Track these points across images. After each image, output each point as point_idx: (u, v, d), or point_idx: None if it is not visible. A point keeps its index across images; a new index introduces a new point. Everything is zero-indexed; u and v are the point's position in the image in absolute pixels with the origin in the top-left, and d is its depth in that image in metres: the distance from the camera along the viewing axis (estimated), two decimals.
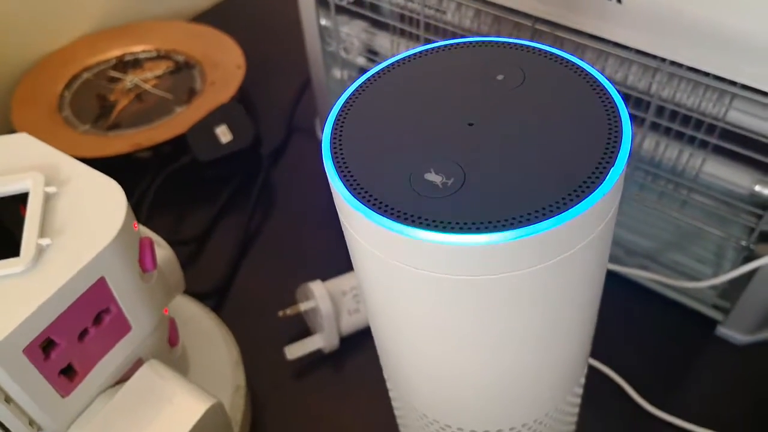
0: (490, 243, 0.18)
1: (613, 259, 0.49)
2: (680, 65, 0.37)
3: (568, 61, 0.23)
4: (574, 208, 0.18)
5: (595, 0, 0.37)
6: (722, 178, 0.41)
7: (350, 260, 0.24)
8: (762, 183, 0.39)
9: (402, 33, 0.49)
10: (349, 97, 0.23)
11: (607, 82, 0.21)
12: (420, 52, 0.24)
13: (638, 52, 0.38)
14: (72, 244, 0.28)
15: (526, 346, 0.23)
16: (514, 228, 0.18)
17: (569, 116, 0.21)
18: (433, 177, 0.20)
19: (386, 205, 0.19)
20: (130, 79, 0.63)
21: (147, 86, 0.63)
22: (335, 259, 0.51)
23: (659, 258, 0.48)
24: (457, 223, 0.18)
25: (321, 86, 0.57)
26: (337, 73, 0.56)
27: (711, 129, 0.39)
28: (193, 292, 0.47)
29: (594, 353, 0.44)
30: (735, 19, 0.33)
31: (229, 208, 0.56)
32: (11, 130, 0.58)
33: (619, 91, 0.21)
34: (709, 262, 0.46)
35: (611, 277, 0.47)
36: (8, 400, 0.27)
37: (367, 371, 0.45)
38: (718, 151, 0.40)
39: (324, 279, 0.46)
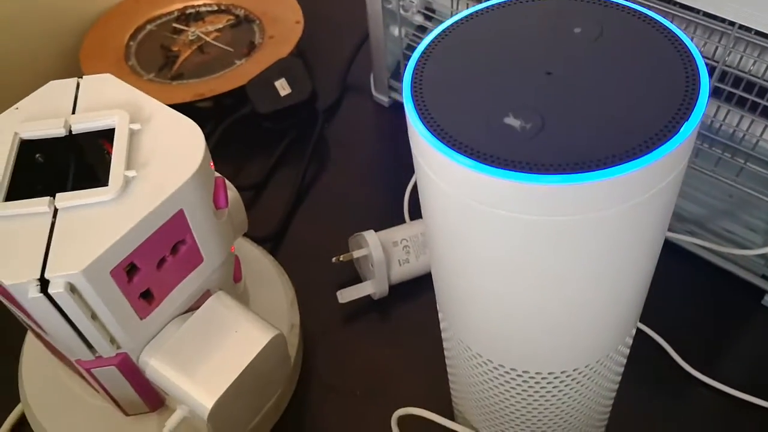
0: (567, 183, 0.19)
1: None
2: (749, 29, 0.37)
3: (646, 16, 0.23)
4: (650, 153, 0.19)
5: None
6: None
7: (400, 215, 0.25)
8: None
9: None
10: (429, 44, 0.24)
11: (685, 36, 0.22)
12: (497, 4, 0.25)
13: (705, 14, 0.38)
14: (155, 177, 0.30)
15: (593, 285, 0.24)
16: (591, 170, 0.19)
17: (647, 68, 0.21)
18: (512, 121, 0.21)
19: (465, 145, 0.20)
20: (192, 31, 0.65)
21: (208, 38, 0.64)
22: (387, 210, 0.53)
23: (709, 225, 0.48)
24: (536, 164, 0.19)
25: (378, 43, 0.57)
26: (395, 30, 0.56)
27: None
28: (251, 236, 0.49)
29: (640, 316, 0.45)
30: None
31: (286, 160, 0.58)
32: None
33: (698, 48, 0.22)
34: (761, 231, 0.46)
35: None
36: (94, 317, 0.29)
37: (413, 319, 0.47)
38: None
39: (376, 227, 0.47)
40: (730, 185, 0.44)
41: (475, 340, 0.29)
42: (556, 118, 0.21)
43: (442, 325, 0.33)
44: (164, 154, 0.31)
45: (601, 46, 0.23)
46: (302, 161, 0.56)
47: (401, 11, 0.55)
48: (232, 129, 0.57)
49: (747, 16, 0.36)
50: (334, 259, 0.47)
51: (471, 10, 0.25)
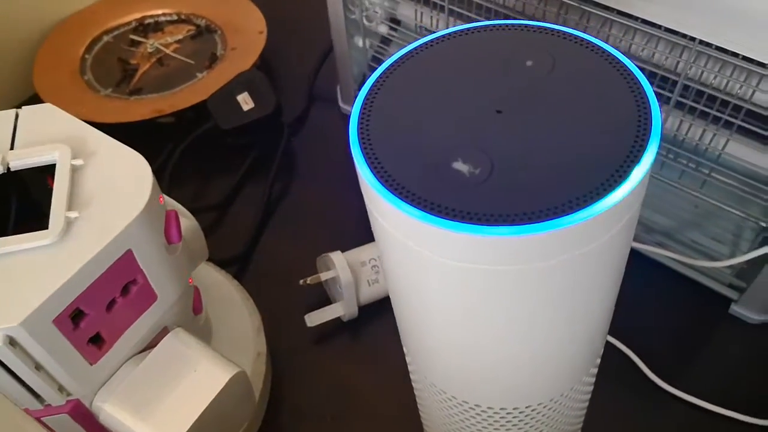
0: (514, 235, 0.18)
1: None
2: (709, 44, 0.36)
3: (599, 48, 0.22)
4: (600, 201, 0.18)
5: None
6: (745, 158, 0.41)
7: (370, 230, 0.24)
8: None
9: (426, 2, 0.48)
10: (376, 81, 0.23)
11: (638, 71, 0.21)
12: (447, 35, 0.24)
13: (666, 29, 0.37)
14: (100, 217, 0.29)
15: (548, 329, 0.23)
16: (540, 221, 0.18)
17: (599, 106, 0.21)
18: (460, 166, 0.20)
19: (413, 194, 0.19)
20: (151, 43, 0.63)
21: (168, 51, 0.63)
22: (355, 227, 0.52)
23: (677, 236, 0.48)
24: (484, 215, 0.19)
25: (343, 54, 0.56)
26: (359, 41, 0.55)
27: (736, 109, 0.39)
28: (214, 259, 0.48)
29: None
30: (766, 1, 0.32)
31: (251, 176, 0.56)
32: (34, 94, 0.59)
33: (649, 79, 0.21)
34: (727, 242, 0.46)
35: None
36: (38, 368, 0.28)
37: (385, 339, 0.46)
38: (742, 131, 0.40)
39: (344, 247, 0.46)
40: (695, 197, 0.44)
41: (439, 377, 0.28)
42: (506, 162, 0.20)
43: (407, 359, 0.32)
44: (109, 191, 0.30)
45: (553, 81, 0.22)
46: (268, 177, 0.55)
47: (365, 21, 0.54)
48: (194, 146, 0.56)
49: (707, 32, 0.35)
50: (301, 282, 0.46)
51: (422, 41, 0.24)
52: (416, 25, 0.52)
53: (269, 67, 0.65)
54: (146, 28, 0.65)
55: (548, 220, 0.18)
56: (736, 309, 0.46)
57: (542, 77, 0.22)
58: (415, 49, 0.23)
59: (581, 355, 0.26)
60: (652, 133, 0.20)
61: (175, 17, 0.66)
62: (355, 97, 0.22)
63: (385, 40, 0.56)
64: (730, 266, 0.45)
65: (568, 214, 0.18)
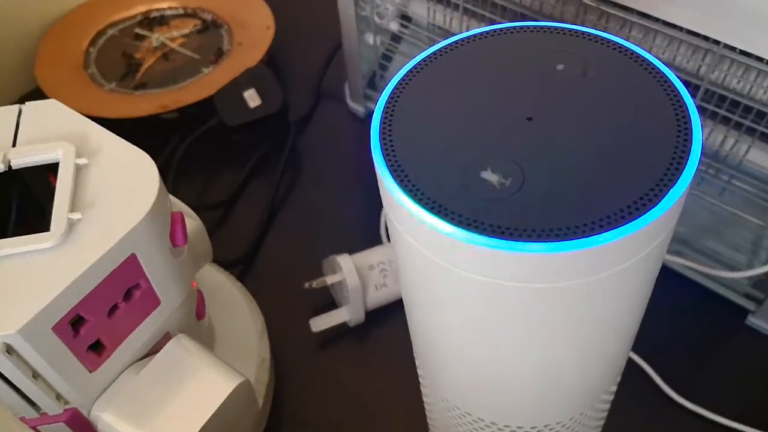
0: (546, 252, 0.17)
1: None
2: (733, 48, 0.35)
3: (633, 52, 0.21)
4: (636, 220, 0.17)
5: None
6: (765, 164, 0.40)
7: (378, 231, 0.23)
8: None
9: (439, 0, 0.47)
10: (399, 84, 0.21)
11: (676, 78, 0.20)
12: (473, 36, 0.23)
13: (689, 32, 0.36)
14: (103, 219, 0.28)
15: (572, 349, 0.22)
16: (573, 239, 0.17)
17: (635, 114, 0.20)
18: (489, 176, 0.19)
19: (439, 205, 0.18)
20: (156, 37, 0.62)
21: (174, 45, 0.61)
22: (363, 228, 0.51)
23: (694, 243, 0.46)
24: (516, 229, 0.17)
25: (352, 51, 0.55)
26: (370, 38, 0.54)
27: (760, 116, 0.37)
28: (218, 260, 0.46)
29: None
30: None
31: (257, 174, 0.55)
32: (36, 88, 0.58)
33: (688, 89, 0.20)
34: (745, 251, 0.45)
35: None
36: (36, 376, 0.27)
37: (392, 345, 0.45)
38: (765, 138, 0.39)
39: (351, 248, 0.45)
40: (714, 204, 0.43)
41: (452, 393, 0.27)
42: (537, 172, 0.19)
43: (419, 371, 0.31)
44: (114, 192, 0.29)
45: (585, 86, 0.21)
46: (274, 176, 0.54)
47: (376, 18, 0.52)
48: (199, 142, 0.55)
49: (731, 35, 0.34)
50: (306, 285, 0.45)
51: (446, 42, 0.23)
52: (428, 23, 0.50)
53: (276, 63, 0.63)
54: (152, 21, 0.64)
55: (582, 237, 0.17)
56: (753, 320, 0.45)
57: (574, 82, 0.21)
58: (439, 50, 0.22)
59: (604, 374, 0.25)
60: (692, 148, 0.18)
61: (181, 11, 0.65)
62: (377, 100, 0.21)
63: (396, 38, 0.54)
64: (749, 277, 0.44)
65: (602, 233, 0.17)
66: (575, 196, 0.18)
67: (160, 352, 0.32)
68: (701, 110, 0.39)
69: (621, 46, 0.21)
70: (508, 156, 0.19)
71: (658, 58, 0.21)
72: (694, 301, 0.46)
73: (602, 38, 0.22)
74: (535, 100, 0.20)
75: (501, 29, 0.23)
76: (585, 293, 0.19)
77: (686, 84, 0.38)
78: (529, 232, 0.17)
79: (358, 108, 0.59)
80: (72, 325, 0.27)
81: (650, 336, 0.44)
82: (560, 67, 0.21)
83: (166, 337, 0.33)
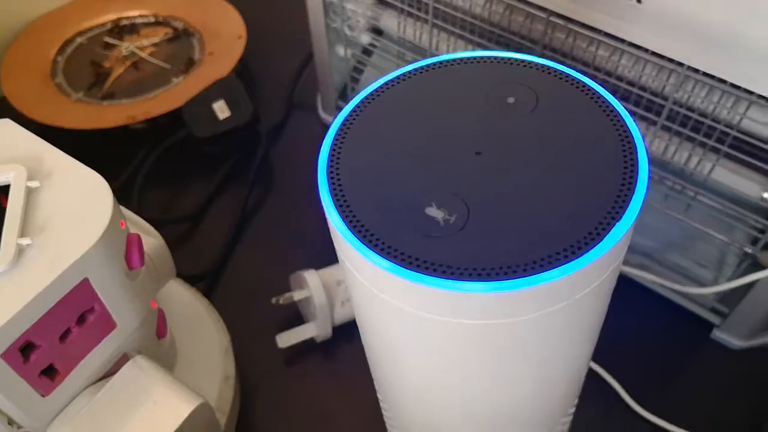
0: (488, 291, 0.17)
1: None
2: (697, 70, 0.35)
3: (584, 85, 0.21)
4: (579, 258, 0.17)
5: None
6: (730, 185, 0.40)
7: None
8: None
9: (409, 14, 0.47)
10: (347, 118, 0.21)
11: (626, 112, 0.20)
12: (426, 66, 0.22)
13: (654, 53, 0.36)
14: (54, 244, 0.27)
15: (524, 382, 0.22)
16: (515, 278, 0.17)
17: (583, 150, 0.19)
18: (434, 212, 0.18)
19: (383, 242, 0.18)
20: (126, 46, 0.61)
21: (143, 54, 0.61)
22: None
23: (660, 258, 0.47)
24: (458, 268, 0.17)
25: (323, 63, 0.55)
26: (341, 50, 0.54)
27: (723, 135, 0.38)
28: (183, 274, 0.46)
29: None
30: (755, 29, 0.31)
31: (226, 186, 0.55)
32: (2, 97, 0.57)
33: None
34: (711, 266, 0.45)
35: None
36: None
37: (359, 361, 0.44)
38: (729, 156, 0.39)
39: (320, 263, 0.45)
40: (679, 220, 0.43)
41: (410, 423, 0.27)
42: (482, 209, 0.18)
43: (379, 396, 0.31)
44: (66, 216, 0.28)
45: (535, 120, 0.20)
46: (244, 188, 0.53)
47: (347, 30, 0.52)
48: (168, 154, 0.54)
49: (694, 58, 0.34)
50: (273, 301, 0.44)
51: (399, 72, 0.22)
52: (399, 37, 0.50)
53: (248, 72, 0.63)
54: (122, 30, 0.63)
55: (522, 277, 0.17)
56: (718, 334, 0.45)
57: (525, 116, 0.21)
58: (392, 80, 0.22)
59: (556, 402, 0.25)
60: (637, 185, 0.18)
61: (152, 19, 0.64)
62: (323, 137, 0.21)
63: (367, 51, 0.54)
64: (715, 292, 0.44)
65: (543, 272, 0.17)
66: (518, 234, 0.18)
67: (116, 375, 0.31)
68: (666, 127, 0.39)
69: (572, 78, 0.21)
70: (454, 192, 0.19)
71: (610, 90, 0.21)
72: (660, 315, 0.46)
73: (553, 69, 0.22)
74: (485, 134, 0.20)
75: (455, 59, 0.22)
76: (531, 328, 0.19)
77: (651, 102, 0.38)
78: (470, 272, 0.17)
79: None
80: (22, 351, 0.27)
81: (616, 350, 0.44)
82: (511, 100, 0.21)
83: (123, 358, 0.33)
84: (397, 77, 0.22)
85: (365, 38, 0.52)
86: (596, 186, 0.18)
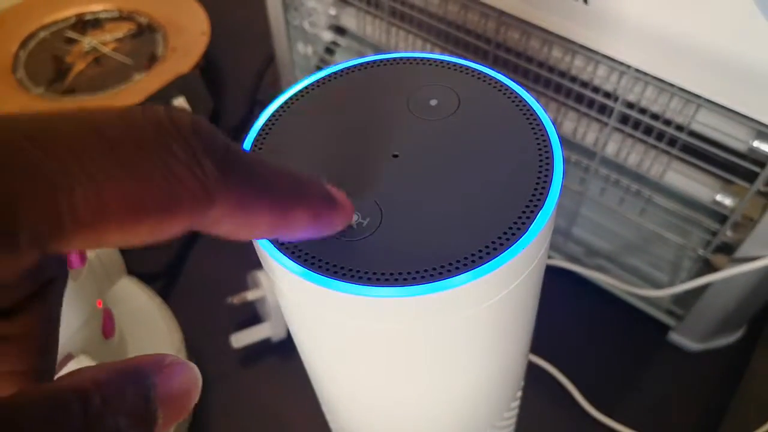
0: (394, 296, 0.17)
1: (572, 258, 0.48)
2: (645, 72, 0.35)
3: (507, 87, 0.21)
4: (490, 262, 0.17)
5: None
6: (684, 186, 0.40)
7: None
8: (723, 192, 0.39)
9: (367, 12, 0.47)
10: (269, 118, 0.21)
11: (546, 117, 0.20)
12: (350, 68, 0.22)
13: (604, 54, 0.36)
14: None
15: (448, 382, 0.22)
16: (426, 282, 0.17)
17: (501, 153, 0.19)
18: None
19: (295, 246, 0.18)
20: (89, 41, 0.61)
21: (106, 50, 0.60)
22: None
23: (617, 260, 0.47)
24: (366, 273, 0.17)
25: (284, 60, 0.54)
26: (302, 48, 0.53)
27: (674, 138, 0.38)
28: (139, 273, 0.46)
29: (540, 351, 0.43)
30: (701, 32, 0.31)
31: None
32: None
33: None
34: (666, 269, 0.45)
35: (567, 275, 0.47)
36: None
37: None
38: (682, 160, 0.39)
39: None
40: (634, 223, 0.43)
41: (346, 421, 0.27)
42: (395, 212, 0.18)
43: (318, 397, 0.30)
44: None
45: (455, 122, 0.20)
46: None
47: (308, 26, 0.52)
48: None
49: (643, 60, 0.35)
50: (228, 300, 0.44)
51: (323, 73, 0.22)
52: (360, 35, 0.50)
53: (211, 69, 0.62)
54: (85, 24, 0.63)
55: (433, 281, 0.17)
56: (673, 337, 0.46)
57: (445, 119, 0.20)
58: (315, 82, 0.22)
59: (491, 400, 0.25)
60: (552, 185, 0.18)
61: (116, 14, 0.64)
62: (244, 137, 0.21)
63: (330, 49, 0.54)
64: (671, 294, 0.45)
65: (451, 276, 0.17)
66: (431, 238, 0.18)
67: (56, 377, 0.31)
68: (619, 131, 0.40)
69: (494, 80, 0.21)
70: (368, 195, 0.19)
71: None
72: (617, 317, 0.47)
73: (476, 71, 0.22)
74: (404, 137, 0.20)
75: (380, 60, 0.22)
76: (448, 332, 0.19)
77: (603, 106, 0.38)
78: (378, 276, 0.17)
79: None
80: None
81: (571, 351, 0.45)
82: (433, 102, 0.21)
83: (67, 358, 0.32)
84: (321, 79, 0.22)
85: (327, 36, 0.52)
86: (510, 190, 0.18)
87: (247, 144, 0.20)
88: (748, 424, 0.39)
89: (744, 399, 0.41)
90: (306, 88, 0.22)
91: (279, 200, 0.13)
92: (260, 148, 0.20)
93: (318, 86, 0.22)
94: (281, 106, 0.21)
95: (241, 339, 0.43)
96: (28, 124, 0.10)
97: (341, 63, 0.23)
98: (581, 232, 0.47)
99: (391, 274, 0.17)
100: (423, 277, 0.17)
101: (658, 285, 0.45)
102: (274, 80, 0.59)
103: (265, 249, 0.18)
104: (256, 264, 0.45)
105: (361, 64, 0.22)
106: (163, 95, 0.53)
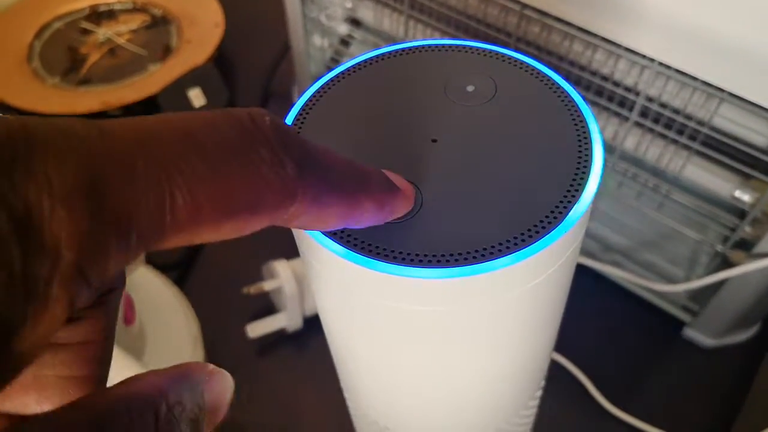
0: (437, 278, 0.17)
1: (588, 253, 0.48)
2: (668, 66, 0.35)
3: (543, 74, 0.21)
4: (530, 247, 0.17)
5: None
6: (703, 180, 0.40)
7: None
8: (742, 188, 0.39)
9: (385, 4, 0.47)
10: (307, 102, 0.21)
11: (584, 104, 0.20)
12: (386, 54, 0.22)
13: (627, 48, 0.36)
14: None
15: (478, 369, 0.22)
16: (464, 265, 0.17)
17: (539, 139, 0.19)
18: None
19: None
20: (103, 32, 0.61)
21: (120, 41, 0.60)
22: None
23: (633, 256, 0.47)
24: (408, 254, 0.17)
25: (300, 53, 0.54)
26: (318, 40, 0.53)
27: (695, 133, 0.38)
28: (155, 262, 0.46)
29: (556, 346, 0.43)
30: (727, 26, 0.31)
31: None
32: None
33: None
34: (683, 264, 0.45)
35: (583, 271, 0.47)
36: None
37: (329, 352, 0.44)
38: (702, 154, 0.39)
39: (293, 252, 0.44)
40: (651, 218, 0.43)
41: (371, 409, 0.27)
42: (436, 196, 0.18)
43: (340, 381, 0.30)
44: None
45: (493, 108, 0.20)
46: None
47: (324, 19, 0.52)
48: None
49: (664, 52, 0.35)
50: (244, 290, 0.44)
51: (359, 58, 0.22)
52: (375, 28, 0.50)
53: (225, 60, 0.62)
54: (100, 15, 0.63)
55: (477, 263, 0.17)
56: (688, 332, 0.46)
57: (483, 104, 0.20)
58: (352, 67, 0.22)
59: (516, 391, 0.25)
60: (590, 172, 0.18)
61: (130, 5, 0.64)
62: (284, 117, 0.21)
63: (345, 41, 0.54)
64: (686, 290, 0.45)
65: (493, 259, 0.17)
66: (471, 220, 0.18)
67: None
68: (639, 123, 0.40)
69: (531, 67, 0.21)
70: (408, 178, 0.19)
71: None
72: (633, 313, 0.47)
73: (513, 58, 0.22)
74: (442, 122, 0.20)
75: (416, 47, 0.22)
76: (486, 315, 0.19)
77: (624, 98, 0.38)
78: (420, 257, 0.17)
79: None
80: None
81: (586, 345, 0.45)
82: (470, 88, 0.21)
83: None
84: (356, 65, 0.22)
85: (343, 29, 0.52)
86: (550, 175, 0.18)
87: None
88: (764, 419, 0.39)
89: (759, 394, 0.41)
90: (341, 74, 0.22)
91: (348, 192, 0.14)
92: (300, 131, 0.20)
93: (353, 72, 0.22)
94: (317, 91, 0.21)
95: (257, 329, 0.44)
96: (136, 133, 0.11)
97: (375, 50, 0.23)
98: (597, 227, 0.47)
99: (434, 255, 0.17)
100: (466, 258, 0.17)
101: (673, 280, 0.45)
102: (288, 72, 0.59)
103: (306, 231, 0.18)
104: (271, 254, 0.45)
105: (395, 51, 0.22)
106: (178, 86, 0.53)
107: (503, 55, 0.22)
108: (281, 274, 0.43)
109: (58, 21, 0.62)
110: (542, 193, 0.18)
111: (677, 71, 0.35)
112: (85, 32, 0.61)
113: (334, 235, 0.18)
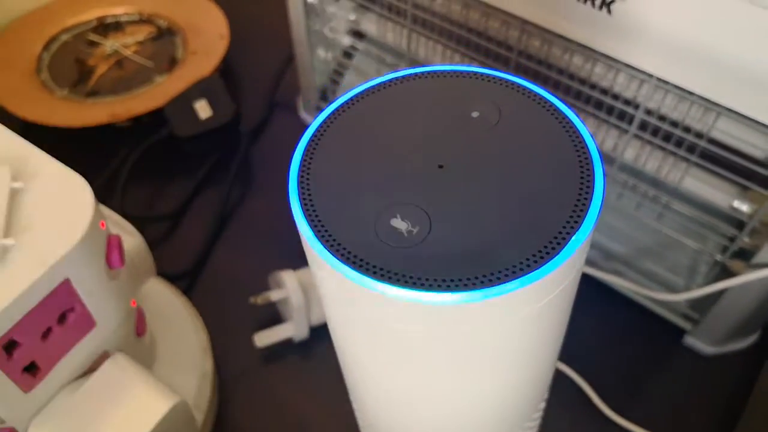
0: (446, 303, 0.18)
1: (589, 262, 0.49)
2: (667, 81, 0.36)
3: (546, 101, 0.22)
4: (541, 268, 0.18)
5: (584, 9, 0.36)
6: (701, 192, 0.41)
7: None
8: (740, 198, 0.39)
9: (389, 18, 0.48)
10: (317, 131, 0.22)
11: (585, 130, 0.21)
12: (393, 80, 0.23)
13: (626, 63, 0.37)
14: (37, 244, 0.28)
15: (483, 386, 0.23)
16: (474, 289, 0.18)
17: (542, 164, 0.20)
18: (398, 223, 0.19)
19: (349, 252, 0.19)
20: (110, 44, 0.62)
21: (128, 52, 0.61)
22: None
23: (634, 264, 0.48)
24: (419, 278, 0.18)
25: (304, 64, 0.55)
26: (322, 52, 0.54)
27: (693, 145, 0.39)
28: (163, 273, 0.47)
29: (558, 355, 0.44)
30: (724, 43, 0.32)
31: (207, 185, 0.55)
32: None
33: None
34: (683, 273, 0.46)
35: (585, 279, 0.48)
36: None
37: (335, 362, 0.45)
38: (700, 166, 0.40)
39: (298, 263, 0.45)
40: (651, 228, 0.44)
41: (379, 423, 0.28)
42: (444, 221, 0.19)
43: (350, 395, 0.31)
44: (48, 217, 0.29)
45: (497, 134, 0.21)
46: (224, 188, 0.54)
47: (328, 32, 0.53)
48: (150, 152, 0.55)
49: (665, 69, 0.35)
50: (251, 300, 0.45)
51: (368, 84, 0.23)
52: (379, 41, 0.51)
53: (230, 72, 0.63)
54: (107, 27, 0.64)
55: (479, 288, 0.18)
56: (689, 340, 0.47)
57: (487, 131, 0.21)
58: (359, 94, 0.23)
59: (521, 404, 0.26)
60: (593, 200, 0.19)
61: (136, 17, 0.65)
62: (296, 145, 0.22)
63: (348, 53, 0.55)
64: (687, 298, 0.45)
65: (498, 284, 0.18)
66: (477, 246, 0.19)
67: (96, 372, 0.32)
68: (638, 138, 0.40)
69: (534, 94, 0.22)
70: (417, 204, 0.20)
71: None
72: (633, 321, 0.48)
73: (517, 85, 0.23)
74: (448, 148, 0.21)
75: (422, 73, 0.23)
76: (492, 336, 0.20)
77: (623, 112, 0.39)
78: (430, 282, 0.18)
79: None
80: (5, 348, 0.27)
81: (588, 354, 0.46)
82: (475, 114, 0.22)
83: (104, 356, 0.33)
84: (365, 90, 0.23)
85: (346, 41, 0.53)
86: (553, 200, 0.19)
87: (299, 153, 0.21)
88: (764, 426, 0.40)
89: (759, 401, 0.42)
90: (346, 102, 0.23)
91: None
92: (311, 160, 0.21)
93: (358, 101, 0.23)
94: (329, 116, 0.22)
95: (264, 338, 0.44)
96: None
97: (379, 77, 0.24)
98: (598, 236, 0.48)
99: (444, 280, 0.18)
100: (474, 283, 0.18)
101: (674, 289, 0.46)
102: (292, 83, 0.59)
103: (317, 252, 0.19)
104: (277, 265, 0.46)
105: (399, 78, 0.23)
106: (185, 98, 0.54)
107: (507, 81, 0.23)
108: (288, 285, 0.44)
109: (65, 33, 0.63)
110: (546, 218, 0.19)
111: (675, 86, 0.36)
112: (93, 44, 0.62)
113: (346, 258, 0.19)
